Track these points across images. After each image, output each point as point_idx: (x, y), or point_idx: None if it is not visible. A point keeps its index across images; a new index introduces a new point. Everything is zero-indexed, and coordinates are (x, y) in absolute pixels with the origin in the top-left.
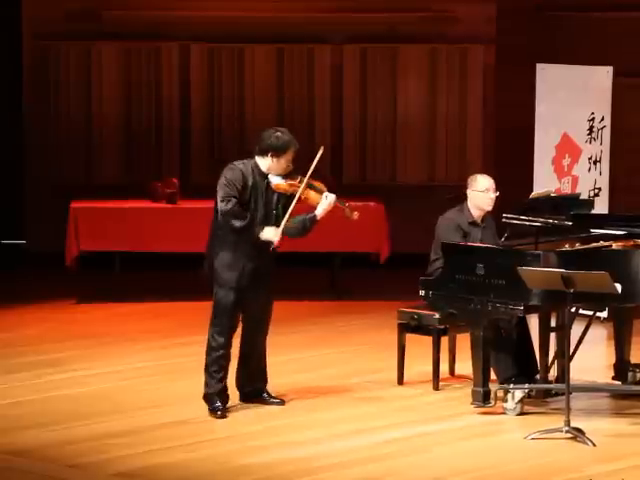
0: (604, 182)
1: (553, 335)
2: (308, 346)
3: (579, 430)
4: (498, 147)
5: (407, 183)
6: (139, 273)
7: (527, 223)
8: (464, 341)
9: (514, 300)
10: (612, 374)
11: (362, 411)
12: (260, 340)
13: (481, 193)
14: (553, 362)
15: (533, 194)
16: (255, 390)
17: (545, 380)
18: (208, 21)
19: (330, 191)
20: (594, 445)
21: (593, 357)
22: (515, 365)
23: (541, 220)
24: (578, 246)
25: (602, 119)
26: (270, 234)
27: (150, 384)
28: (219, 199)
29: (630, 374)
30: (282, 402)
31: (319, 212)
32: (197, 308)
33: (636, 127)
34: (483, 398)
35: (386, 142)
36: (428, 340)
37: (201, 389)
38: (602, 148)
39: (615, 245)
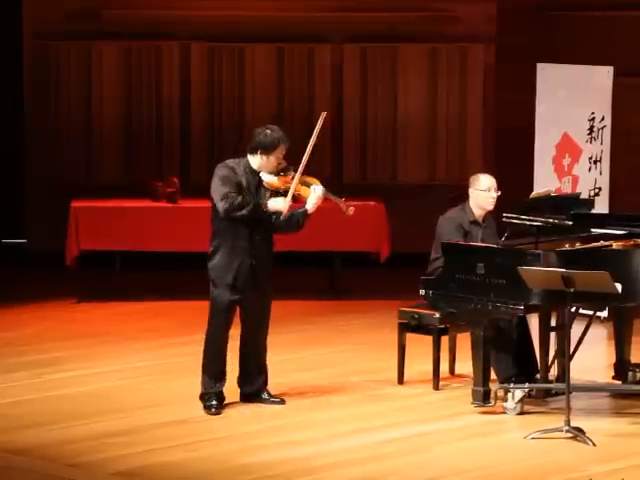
0: (604, 182)
1: (553, 335)
2: (308, 345)
3: (579, 430)
4: (498, 147)
5: (407, 182)
6: (139, 272)
7: (527, 223)
8: (464, 341)
9: (514, 300)
10: (612, 374)
11: (362, 410)
12: (260, 340)
13: (483, 192)
14: (553, 362)
15: (533, 194)
16: (255, 390)
17: (545, 380)
18: (208, 20)
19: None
20: (594, 445)
21: (593, 357)
22: (515, 365)
23: (541, 220)
24: (578, 246)
25: (602, 119)
26: (279, 204)
27: (150, 383)
28: (218, 199)
29: (630, 374)
30: (282, 401)
31: (309, 206)
32: (197, 307)
33: (636, 127)
34: (483, 398)
35: (386, 141)
36: (428, 339)
37: (200, 388)
38: (602, 148)
39: (615, 245)
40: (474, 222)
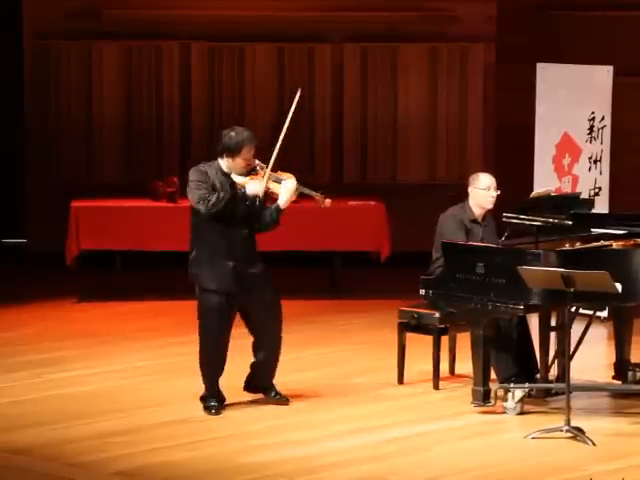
0: (604, 181)
1: (553, 334)
2: (308, 345)
3: (579, 429)
4: (498, 146)
5: (407, 182)
6: (139, 272)
7: (527, 222)
8: (464, 340)
9: (514, 299)
10: (612, 373)
11: (362, 410)
12: (268, 342)
13: (482, 191)
14: (553, 361)
15: (533, 193)
16: (260, 388)
17: (545, 379)
18: (208, 20)
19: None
20: (594, 444)
21: (593, 356)
22: (515, 364)
23: (541, 219)
24: (578, 245)
25: (602, 118)
26: (255, 187)
27: (150, 383)
28: (195, 203)
29: (630, 373)
30: (287, 401)
31: (281, 202)
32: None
33: (636, 126)
34: (483, 397)
35: (386, 141)
36: (428, 339)
37: (201, 388)
38: (602, 147)
39: (615, 244)
40: (474, 221)
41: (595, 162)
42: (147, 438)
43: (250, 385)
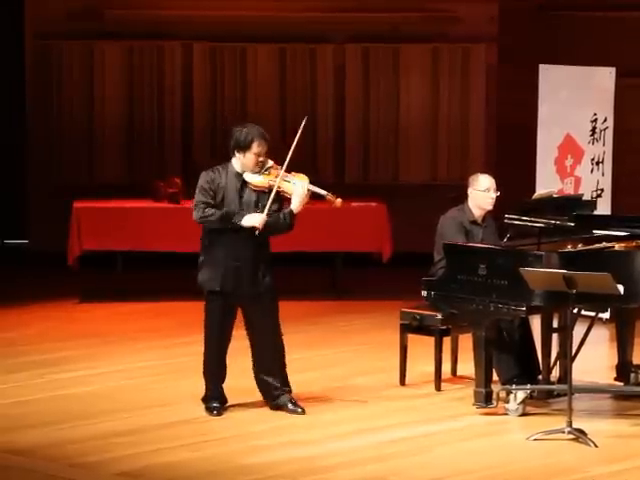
0: (607, 183)
1: (555, 336)
2: (309, 346)
3: (581, 431)
4: (500, 147)
5: (409, 182)
6: (141, 273)
7: (529, 224)
8: (466, 342)
9: (516, 301)
10: (614, 375)
11: (364, 411)
12: (267, 346)
13: (482, 192)
14: (555, 363)
15: (535, 195)
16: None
17: (547, 381)
18: (210, 20)
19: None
20: (596, 446)
21: (595, 358)
22: (517, 366)
23: (543, 221)
24: (580, 247)
25: (605, 120)
26: (252, 219)
27: (153, 383)
28: (193, 206)
29: (632, 375)
30: (303, 411)
31: (294, 205)
32: (198, 308)
33: (638, 128)
34: (485, 399)
35: (388, 141)
36: (430, 340)
37: (203, 388)
38: (605, 149)
39: (617, 246)
40: (474, 222)
41: (597, 164)
42: (150, 438)
43: (266, 397)
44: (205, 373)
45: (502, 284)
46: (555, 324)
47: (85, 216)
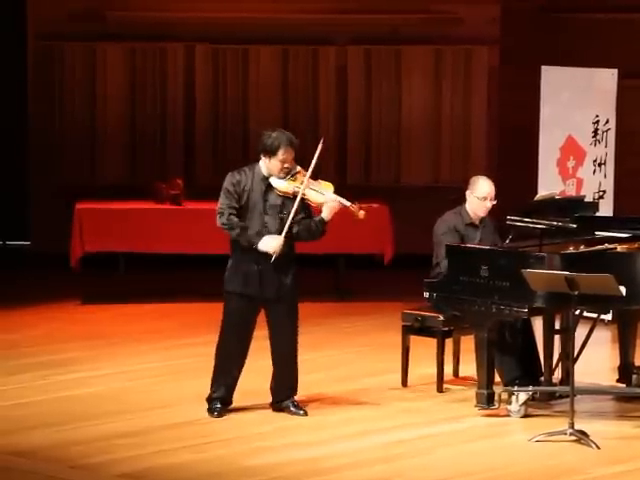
0: (609, 185)
1: (557, 337)
2: (312, 347)
3: (583, 432)
4: (502, 149)
5: (411, 184)
6: (143, 274)
7: (531, 225)
8: (468, 343)
9: (518, 302)
10: (616, 376)
11: (366, 413)
12: (285, 349)
13: (478, 200)
14: (557, 364)
15: (538, 196)
16: (280, 399)
17: (549, 382)
18: (212, 22)
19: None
20: (598, 448)
21: (597, 359)
22: (519, 367)
23: (545, 222)
24: (582, 248)
25: (607, 121)
26: (268, 245)
27: (156, 385)
28: (217, 210)
29: (634, 377)
30: (305, 413)
31: (325, 215)
32: (201, 309)
33: None
34: (487, 400)
35: (390, 143)
36: (432, 342)
37: (208, 390)
38: (607, 150)
39: (619, 247)
40: (470, 224)
41: (599, 165)
42: (153, 440)
43: (273, 398)
44: (216, 374)
45: (504, 285)
46: (557, 325)
47: (87, 218)
